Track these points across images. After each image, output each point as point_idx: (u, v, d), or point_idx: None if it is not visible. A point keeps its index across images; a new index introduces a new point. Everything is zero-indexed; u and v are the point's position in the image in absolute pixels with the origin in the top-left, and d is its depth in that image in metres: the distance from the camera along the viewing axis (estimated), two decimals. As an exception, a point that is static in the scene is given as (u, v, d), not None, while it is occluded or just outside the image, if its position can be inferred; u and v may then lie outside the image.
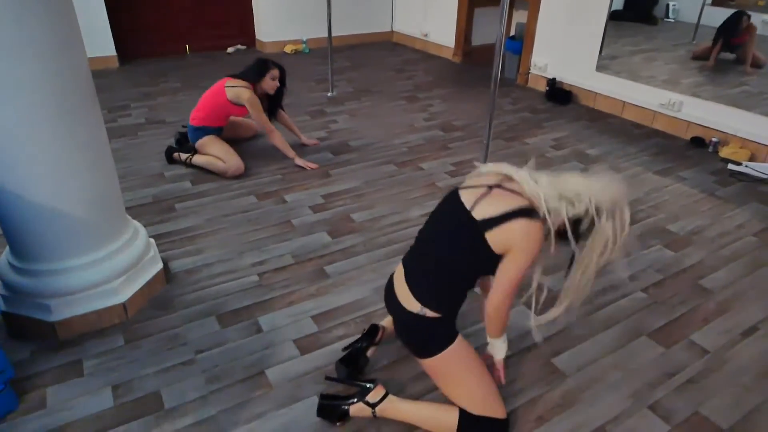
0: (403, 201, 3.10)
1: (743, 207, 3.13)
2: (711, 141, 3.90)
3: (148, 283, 2.22)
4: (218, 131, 3.43)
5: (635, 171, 3.56)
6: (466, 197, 1.57)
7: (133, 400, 1.78)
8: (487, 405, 1.60)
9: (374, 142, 3.93)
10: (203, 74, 5.49)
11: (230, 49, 6.50)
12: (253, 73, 3.34)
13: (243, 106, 3.28)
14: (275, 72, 3.36)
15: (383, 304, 2.15)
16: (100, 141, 1.99)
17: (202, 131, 3.37)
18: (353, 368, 1.86)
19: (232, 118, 3.54)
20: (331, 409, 1.70)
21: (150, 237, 2.43)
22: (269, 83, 3.36)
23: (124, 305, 2.10)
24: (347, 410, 1.69)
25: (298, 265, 2.51)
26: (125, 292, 2.11)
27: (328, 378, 1.83)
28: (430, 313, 1.56)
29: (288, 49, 6.46)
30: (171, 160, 3.49)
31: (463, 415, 1.59)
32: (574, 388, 1.87)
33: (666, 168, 3.62)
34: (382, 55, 6.52)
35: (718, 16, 4.21)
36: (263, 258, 2.55)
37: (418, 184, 3.31)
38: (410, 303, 1.58)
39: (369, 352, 1.92)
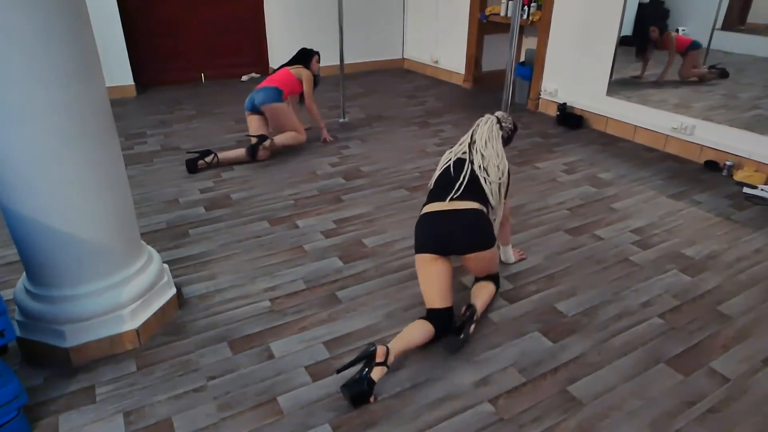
0: (414, 225, 3.09)
1: (760, 231, 3.08)
2: (725, 164, 3.87)
3: (162, 309, 2.23)
4: (283, 99, 4.07)
5: (649, 195, 3.54)
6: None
7: (145, 427, 1.77)
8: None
9: (386, 167, 3.95)
10: (218, 102, 5.60)
11: (244, 77, 6.63)
12: (302, 60, 4.23)
13: (301, 82, 4.10)
14: (317, 56, 4.27)
15: (396, 330, 2.16)
16: (117, 168, 2.03)
17: (279, 93, 4.00)
18: (360, 398, 1.85)
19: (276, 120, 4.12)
20: (360, 391, 1.83)
21: (164, 262, 2.45)
22: (315, 65, 4.24)
23: (137, 331, 2.10)
24: (372, 380, 1.85)
25: (310, 290, 2.51)
26: (139, 317, 2.12)
27: (339, 370, 1.90)
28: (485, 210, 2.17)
29: (301, 76, 6.57)
30: (195, 169, 3.79)
31: (496, 276, 2.40)
32: (591, 417, 1.83)
33: (680, 192, 3.59)
34: (394, 82, 6.61)
35: (728, 40, 4.23)
36: (275, 283, 2.55)
37: (429, 208, 3.30)
38: (471, 205, 2.14)
39: (376, 375, 1.88)
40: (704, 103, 4.26)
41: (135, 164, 3.92)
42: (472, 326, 2.16)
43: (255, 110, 4.07)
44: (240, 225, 3.09)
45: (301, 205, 3.35)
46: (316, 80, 4.25)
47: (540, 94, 5.37)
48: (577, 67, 4.93)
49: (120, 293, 2.06)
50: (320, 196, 3.48)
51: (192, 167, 3.79)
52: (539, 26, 5.17)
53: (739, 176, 3.74)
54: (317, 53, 4.29)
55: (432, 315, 2.11)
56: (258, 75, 6.72)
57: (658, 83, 4.65)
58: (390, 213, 3.25)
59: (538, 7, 5.22)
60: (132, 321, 2.09)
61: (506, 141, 2.44)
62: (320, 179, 3.72)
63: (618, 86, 4.69)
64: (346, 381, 1.87)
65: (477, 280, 2.40)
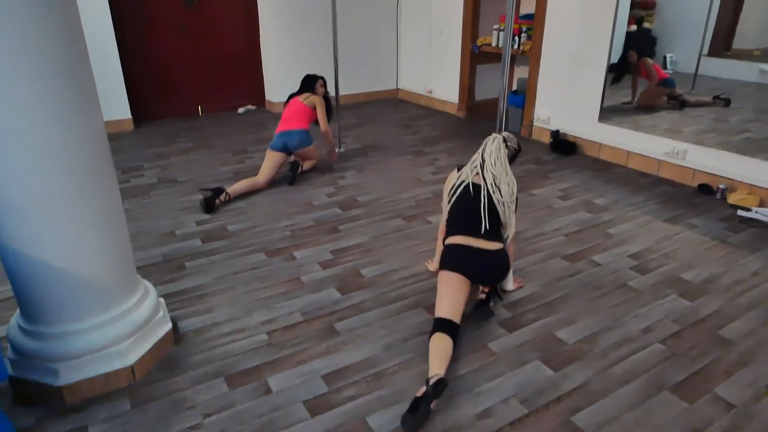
0: (412, 255, 3.10)
1: (757, 253, 3.09)
2: (718, 188, 3.90)
3: (157, 344, 2.20)
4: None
5: (644, 219, 3.55)
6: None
7: (139, 468, 1.72)
8: None
9: (382, 196, 3.97)
10: (215, 134, 5.64)
11: (241, 110, 6.70)
12: (307, 87, 4.36)
13: (314, 110, 4.24)
14: (321, 80, 4.41)
15: (395, 362, 2.14)
16: (113, 202, 2.03)
17: (309, 135, 4.22)
18: (419, 422, 1.87)
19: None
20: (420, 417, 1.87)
21: (160, 296, 2.42)
22: (320, 89, 4.37)
23: (132, 368, 2.07)
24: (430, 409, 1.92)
25: (308, 322, 2.48)
26: (134, 354, 2.09)
27: (413, 413, 1.88)
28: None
29: (296, 108, 6.65)
30: (212, 208, 3.71)
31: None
32: (595, 448, 1.80)
33: (675, 216, 3.60)
34: (389, 112, 6.69)
35: (715, 66, 4.32)
36: (272, 316, 2.53)
37: (426, 237, 3.31)
38: (498, 245, 2.42)
39: (432, 404, 1.91)
40: (695, 127, 4.32)
41: (132, 197, 3.93)
42: (497, 301, 2.55)
43: (284, 150, 4.17)
44: (237, 257, 3.08)
45: (298, 236, 3.34)
46: (329, 103, 4.40)
47: (533, 122, 5.44)
48: (568, 95, 5.01)
49: (115, 329, 2.03)
50: (317, 226, 3.47)
51: (210, 207, 3.69)
52: (530, 56, 5.27)
53: (732, 199, 3.76)
54: (321, 78, 4.42)
55: (441, 324, 2.19)
56: (254, 107, 6.80)
57: (638, 107, 4.79)
58: (387, 243, 3.25)
59: (528, 38, 5.33)
60: (127, 357, 2.06)
61: (510, 160, 2.57)
62: (317, 210, 3.73)
63: (609, 113, 4.77)
64: (407, 416, 1.85)
65: None
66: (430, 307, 2.56)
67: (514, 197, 2.49)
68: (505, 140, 2.56)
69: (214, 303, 2.63)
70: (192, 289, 2.75)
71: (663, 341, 2.33)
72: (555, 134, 5.06)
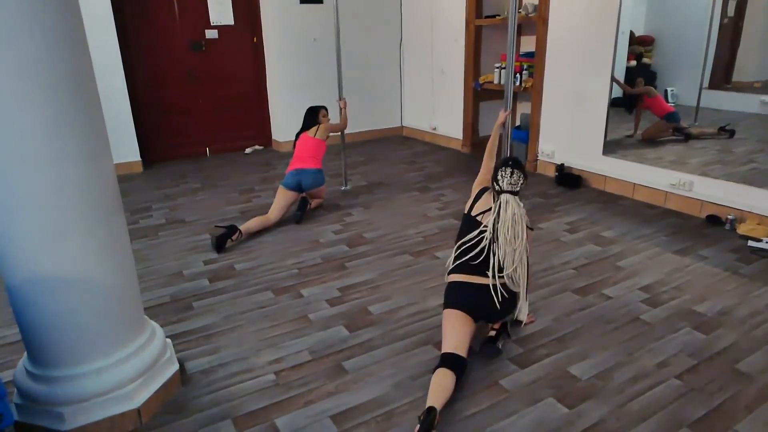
0: (420, 291, 3.08)
1: (770, 284, 3.05)
2: (727, 218, 3.88)
3: (164, 386, 2.17)
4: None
5: (654, 251, 3.52)
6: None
7: None
8: None
9: (389, 233, 3.97)
10: (222, 174, 5.72)
11: (248, 150, 6.81)
12: (312, 120, 4.44)
13: (325, 139, 4.42)
14: (323, 111, 4.49)
15: (405, 401, 2.10)
16: (122, 244, 2.04)
17: (322, 173, 4.35)
18: None
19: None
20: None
21: (167, 337, 2.41)
22: (323, 120, 4.46)
23: (138, 410, 2.04)
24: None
25: (316, 361, 2.45)
26: (140, 396, 2.06)
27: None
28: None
29: (303, 147, 6.75)
30: (223, 247, 3.72)
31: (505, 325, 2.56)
32: (615, 490, 1.73)
33: (685, 247, 3.58)
34: (393, 149, 6.77)
35: (716, 98, 4.37)
36: (280, 355, 2.50)
37: (434, 273, 3.29)
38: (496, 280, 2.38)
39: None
40: (700, 158, 4.33)
41: (140, 238, 3.95)
42: (506, 339, 2.50)
43: (297, 189, 4.22)
44: (244, 296, 3.07)
45: (305, 273, 3.34)
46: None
47: (537, 156, 5.48)
48: (571, 129, 5.06)
49: (121, 371, 2.01)
50: (324, 264, 3.47)
51: (221, 246, 3.69)
52: (532, 92, 5.36)
53: (742, 230, 3.73)
54: (322, 108, 4.49)
55: (447, 359, 2.19)
56: (261, 147, 6.90)
57: (642, 140, 4.83)
58: (394, 279, 3.23)
59: (530, 75, 5.43)
60: (133, 400, 2.03)
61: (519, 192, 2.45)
62: (324, 247, 3.73)
63: (613, 146, 4.80)
64: None
65: None
66: (440, 344, 2.51)
67: (525, 241, 2.38)
68: (515, 194, 2.41)
69: (222, 343, 2.61)
70: (199, 329, 2.73)
71: (679, 376, 2.28)
72: (560, 168, 5.08)
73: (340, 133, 5.02)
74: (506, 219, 2.36)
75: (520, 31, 5.72)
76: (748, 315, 2.74)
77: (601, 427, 2.00)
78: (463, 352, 2.22)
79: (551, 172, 5.25)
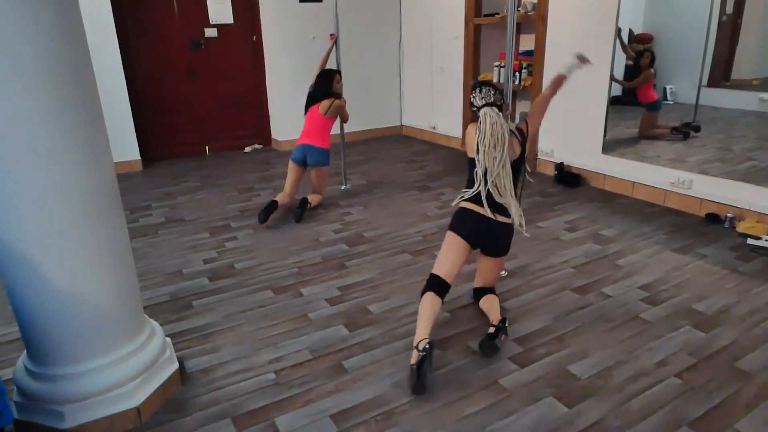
0: (419, 290, 3.04)
1: (770, 283, 3.05)
2: (726, 216, 3.88)
3: (163, 385, 2.17)
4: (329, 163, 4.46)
5: (654, 250, 3.52)
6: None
7: None
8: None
9: (388, 232, 3.97)
10: (222, 173, 5.71)
11: (247, 149, 6.80)
12: (325, 87, 4.33)
13: (335, 117, 4.38)
14: (338, 76, 4.39)
15: (405, 400, 2.10)
16: (121, 243, 2.04)
17: (328, 154, 4.35)
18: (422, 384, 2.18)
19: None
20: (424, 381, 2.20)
21: (167, 336, 2.41)
22: (337, 86, 4.38)
23: (138, 409, 2.04)
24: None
25: (316, 360, 2.45)
26: (140, 395, 2.06)
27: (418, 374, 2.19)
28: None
29: (302, 146, 6.74)
30: (267, 219, 4.07)
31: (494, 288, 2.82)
32: (614, 488, 1.73)
33: (684, 246, 3.58)
34: (393, 148, 6.76)
35: (715, 96, 4.37)
36: (280, 354, 2.50)
37: (434, 271, 3.29)
38: (508, 220, 2.56)
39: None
40: (699, 156, 4.33)
41: (139, 237, 3.95)
42: (504, 335, 2.51)
43: (302, 163, 4.35)
44: (244, 295, 3.07)
45: (305, 272, 3.34)
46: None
47: (537, 155, 5.48)
48: (571, 128, 5.06)
49: (121, 370, 2.01)
50: (324, 263, 3.47)
51: (264, 217, 4.04)
52: (531, 90, 5.36)
53: (742, 228, 3.74)
54: (337, 72, 4.43)
55: (435, 281, 2.49)
56: (260, 146, 6.90)
57: (639, 137, 4.85)
58: (394, 278, 3.23)
59: (529, 73, 5.43)
60: (133, 399, 2.03)
61: (501, 107, 2.59)
62: (324, 246, 3.73)
63: (613, 144, 4.80)
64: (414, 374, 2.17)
65: (479, 292, 2.80)
66: (439, 343, 2.53)
67: (518, 148, 2.57)
68: (495, 105, 2.54)
69: (221, 342, 2.61)
70: (199, 328, 2.73)
71: (679, 375, 2.28)
72: (559, 167, 5.08)
73: (339, 132, 5.02)
74: (485, 128, 2.47)
75: (519, 29, 5.71)
76: (747, 313, 2.74)
77: (601, 426, 2.00)
78: (450, 279, 2.50)
79: (551, 171, 5.25)
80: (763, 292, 2.95)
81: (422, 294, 2.47)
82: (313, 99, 4.38)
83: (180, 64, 6.20)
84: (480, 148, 2.46)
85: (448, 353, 2.47)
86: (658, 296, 2.93)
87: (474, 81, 2.65)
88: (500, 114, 2.52)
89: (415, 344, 2.24)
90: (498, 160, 2.45)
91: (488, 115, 2.49)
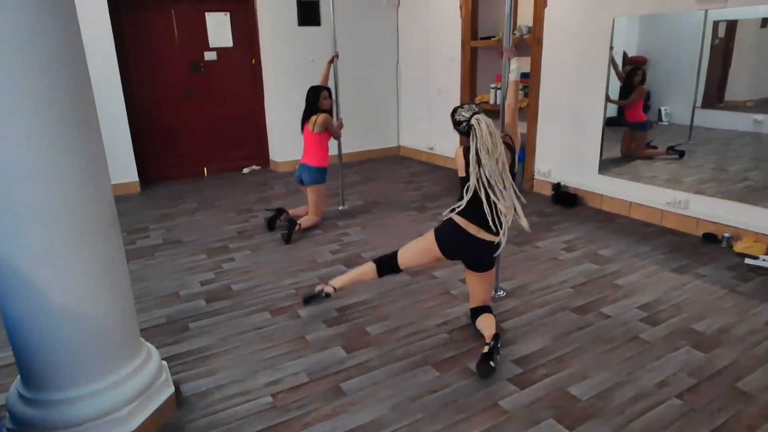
0: (418, 311, 3.06)
1: (769, 302, 3.04)
2: (723, 236, 3.89)
3: (159, 409, 2.14)
4: (326, 175, 4.50)
5: (651, 270, 3.52)
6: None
7: None
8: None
9: (386, 252, 3.95)
10: (219, 194, 5.72)
11: (246, 170, 6.83)
12: (312, 104, 4.38)
13: (324, 132, 4.39)
14: (325, 93, 4.40)
15: (404, 423, 2.08)
16: (118, 266, 2.03)
17: (323, 173, 4.43)
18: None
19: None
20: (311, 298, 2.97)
21: (163, 359, 2.38)
22: (324, 102, 4.39)
23: (132, 435, 2.01)
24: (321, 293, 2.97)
25: (313, 383, 2.42)
26: (135, 420, 2.03)
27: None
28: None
29: (300, 167, 6.77)
30: (274, 227, 4.45)
31: (490, 306, 2.81)
32: None
33: (682, 265, 3.58)
34: (391, 169, 6.79)
35: (709, 117, 4.41)
36: (277, 377, 2.47)
37: (432, 293, 3.28)
38: (495, 238, 2.62)
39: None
40: (695, 177, 4.36)
41: (136, 259, 3.93)
42: (497, 354, 2.51)
43: (300, 183, 4.52)
44: (241, 317, 3.04)
45: (303, 294, 3.32)
46: (330, 113, 4.52)
47: (534, 175, 5.51)
48: (567, 148, 5.10)
49: (116, 394, 1.99)
50: (321, 284, 3.45)
51: (271, 225, 4.42)
52: (528, 112, 5.41)
53: (739, 247, 3.74)
54: (324, 89, 4.43)
55: (391, 262, 2.85)
56: (258, 167, 6.92)
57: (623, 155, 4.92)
58: (393, 299, 3.22)
59: (525, 95, 5.49)
60: (128, 424, 2.00)
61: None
62: (321, 267, 3.72)
63: (609, 164, 4.83)
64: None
65: (475, 312, 2.78)
66: (438, 364, 2.51)
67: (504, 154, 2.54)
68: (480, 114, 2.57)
69: (218, 365, 2.58)
70: (195, 351, 2.70)
71: (680, 396, 2.26)
72: (556, 187, 5.11)
73: (337, 153, 5.04)
74: (484, 131, 2.48)
75: (516, 50, 5.78)
76: (747, 333, 2.73)
77: (602, 449, 1.97)
78: (404, 268, 2.84)
79: (548, 191, 5.27)
80: (761, 311, 2.94)
81: (373, 261, 2.84)
82: (304, 116, 4.47)
83: (179, 87, 6.26)
84: (482, 152, 2.47)
85: (447, 375, 2.45)
86: (658, 316, 2.92)
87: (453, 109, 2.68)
88: (489, 120, 2.55)
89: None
90: (500, 161, 2.50)
91: (482, 120, 2.52)
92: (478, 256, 2.67)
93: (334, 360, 2.59)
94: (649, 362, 2.50)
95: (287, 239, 4.19)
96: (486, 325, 2.66)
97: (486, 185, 2.50)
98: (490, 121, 2.54)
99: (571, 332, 2.79)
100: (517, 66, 2.89)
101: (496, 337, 2.52)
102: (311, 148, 4.42)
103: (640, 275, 3.44)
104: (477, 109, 2.59)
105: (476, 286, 2.79)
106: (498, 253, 2.69)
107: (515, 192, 2.58)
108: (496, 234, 2.60)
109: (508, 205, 2.55)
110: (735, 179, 4.14)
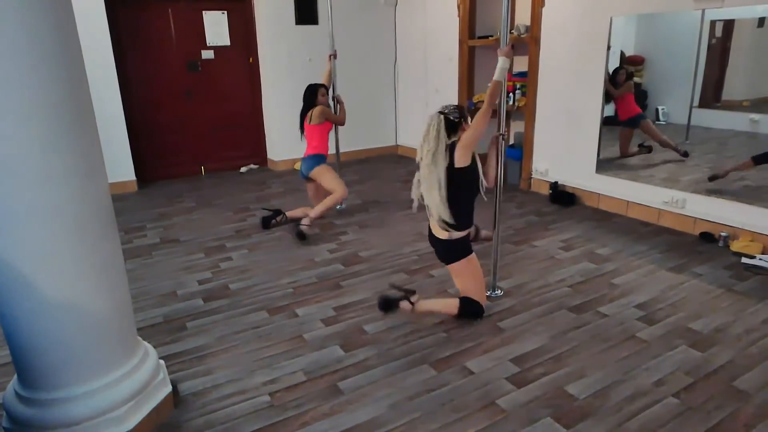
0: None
1: (765, 301, 3.05)
2: (720, 236, 3.90)
3: (156, 409, 2.13)
4: (325, 159, 4.49)
5: (649, 269, 3.53)
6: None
7: None
8: (478, 295, 2.86)
9: (384, 251, 3.97)
10: (217, 193, 5.72)
11: (243, 169, 6.82)
12: (310, 100, 4.46)
13: (326, 120, 4.45)
14: (323, 90, 4.51)
15: (401, 422, 2.09)
16: (115, 265, 2.03)
17: (318, 158, 4.43)
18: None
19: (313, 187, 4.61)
20: (388, 302, 2.78)
21: (160, 358, 2.38)
22: (321, 99, 4.46)
23: (129, 434, 2.00)
24: (397, 303, 2.79)
25: (311, 382, 2.42)
26: (132, 419, 2.02)
27: (392, 285, 2.92)
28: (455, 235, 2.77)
29: (298, 166, 6.74)
30: (269, 226, 4.48)
31: (464, 299, 2.84)
32: None
33: (679, 264, 3.59)
34: (388, 168, 6.79)
35: (707, 117, 4.42)
36: (274, 376, 2.47)
37: (429, 291, 3.28)
38: (440, 235, 2.78)
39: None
40: (692, 176, 4.37)
41: (133, 258, 3.93)
42: (403, 301, 2.80)
43: (304, 177, 4.56)
44: (238, 316, 3.04)
45: (300, 293, 3.32)
46: (330, 106, 4.65)
47: (531, 175, 5.51)
48: (565, 148, 5.11)
49: (113, 393, 1.98)
50: (319, 283, 3.45)
51: (266, 224, 4.46)
52: (525, 111, 5.41)
53: (736, 247, 3.75)
54: (321, 86, 4.52)
55: (480, 308, 2.91)
56: (256, 166, 6.91)
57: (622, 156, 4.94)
58: (390, 297, 3.22)
59: (523, 94, 5.49)
60: (125, 423, 2.00)
61: (456, 124, 2.70)
62: (319, 266, 3.72)
63: (606, 164, 4.84)
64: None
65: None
66: (436, 363, 2.51)
67: (436, 181, 2.67)
68: (443, 114, 2.70)
69: (215, 364, 2.58)
70: (193, 350, 2.70)
71: (676, 395, 2.27)
72: (554, 186, 5.11)
73: (335, 152, 5.04)
74: (425, 126, 2.70)
75: (513, 51, 5.79)
76: (743, 332, 2.74)
77: (599, 447, 1.98)
78: (481, 298, 2.89)
79: (545, 190, 5.28)
80: (757, 311, 2.95)
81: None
82: (302, 114, 4.51)
83: (176, 86, 6.24)
84: (419, 147, 2.70)
85: (444, 374, 2.45)
86: (655, 315, 2.93)
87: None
88: (442, 120, 2.67)
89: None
90: (429, 154, 2.67)
91: (433, 119, 2.70)
92: (436, 251, 2.91)
93: (332, 359, 2.59)
94: (646, 361, 2.51)
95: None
96: (437, 302, 2.93)
97: (420, 179, 2.74)
98: (437, 120, 2.68)
99: (569, 331, 2.79)
100: (502, 65, 2.77)
101: (410, 298, 2.79)
102: (312, 140, 4.46)
103: (637, 274, 3.45)
104: (446, 110, 2.71)
105: (453, 277, 2.95)
106: (453, 251, 2.79)
107: (442, 190, 2.67)
108: (446, 231, 2.73)
109: (432, 202, 2.69)
110: (732, 178, 4.15)
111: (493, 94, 2.73)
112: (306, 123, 4.46)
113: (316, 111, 4.38)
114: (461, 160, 2.66)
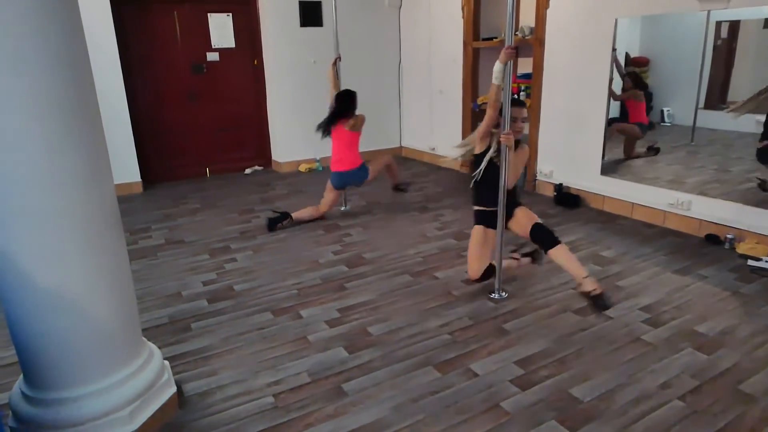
0: (420, 311, 3.06)
1: (771, 304, 3.03)
2: (726, 238, 3.88)
3: (161, 409, 2.14)
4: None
5: (654, 271, 3.51)
6: None
7: None
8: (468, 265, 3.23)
9: (388, 253, 3.97)
10: (222, 195, 5.73)
11: (248, 170, 6.84)
12: (349, 106, 4.51)
13: (359, 132, 4.58)
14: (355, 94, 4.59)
15: (405, 423, 2.09)
16: (121, 266, 2.04)
17: (365, 169, 4.64)
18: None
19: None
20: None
21: (165, 359, 2.39)
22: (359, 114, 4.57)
23: (134, 434, 2.01)
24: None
25: (315, 383, 2.42)
26: (137, 419, 2.03)
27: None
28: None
29: (302, 168, 6.78)
30: (274, 228, 4.46)
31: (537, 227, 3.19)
32: None
33: (684, 267, 3.57)
34: (393, 169, 6.78)
35: (712, 118, 4.41)
36: (279, 377, 2.47)
37: (434, 293, 3.28)
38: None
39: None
40: (698, 178, 4.35)
41: (139, 259, 3.94)
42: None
43: (343, 188, 4.71)
44: (243, 317, 3.05)
45: (305, 294, 3.32)
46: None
47: (536, 176, 5.50)
48: (569, 150, 5.10)
49: (118, 394, 1.99)
50: (323, 284, 3.46)
51: (272, 226, 4.43)
52: (530, 112, 5.40)
53: (742, 249, 3.73)
54: (355, 92, 4.61)
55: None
56: (261, 168, 6.93)
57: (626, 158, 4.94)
58: (394, 299, 3.22)
59: (527, 95, 5.49)
60: (130, 423, 2.00)
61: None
62: (323, 267, 3.72)
63: (611, 165, 4.83)
64: None
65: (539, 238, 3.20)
66: (440, 365, 2.51)
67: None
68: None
69: (220, 365, 2.58)
70: (197, 351, 2.71)
71: (682, 397, 2.26)
72: (558, 188, 5.10)
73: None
74: None
75: (517, 53, 5.77)
76: (749, 335, 2.72)
77: (604, 450, 1.97)
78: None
79: (550, 192, 5.27)
80: (764, 313, 2.93)
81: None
82: (338, 115, 4.50)
83: (181, 88, 6.27)
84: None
85: (449, 376, 2.45)
86: (660, 318, 2.91)
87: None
88: None
89: None
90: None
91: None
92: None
93: (336, 360, 2.60)
94: (651, 364, 2.50)
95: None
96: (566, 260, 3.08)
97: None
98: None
99: (573, 334, 2.78)
100: (496, 69, 2.94)
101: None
102: (346, 149, 4.52)
103: (643, 276, 3.44)
104: None
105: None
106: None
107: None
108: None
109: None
110: (738, 180, 4.13)
111: (492, 97, 2.95)
112: (343, 128, 4.48)
113: (361, 118, 4.46)
114: (476, 149, 3.21)
